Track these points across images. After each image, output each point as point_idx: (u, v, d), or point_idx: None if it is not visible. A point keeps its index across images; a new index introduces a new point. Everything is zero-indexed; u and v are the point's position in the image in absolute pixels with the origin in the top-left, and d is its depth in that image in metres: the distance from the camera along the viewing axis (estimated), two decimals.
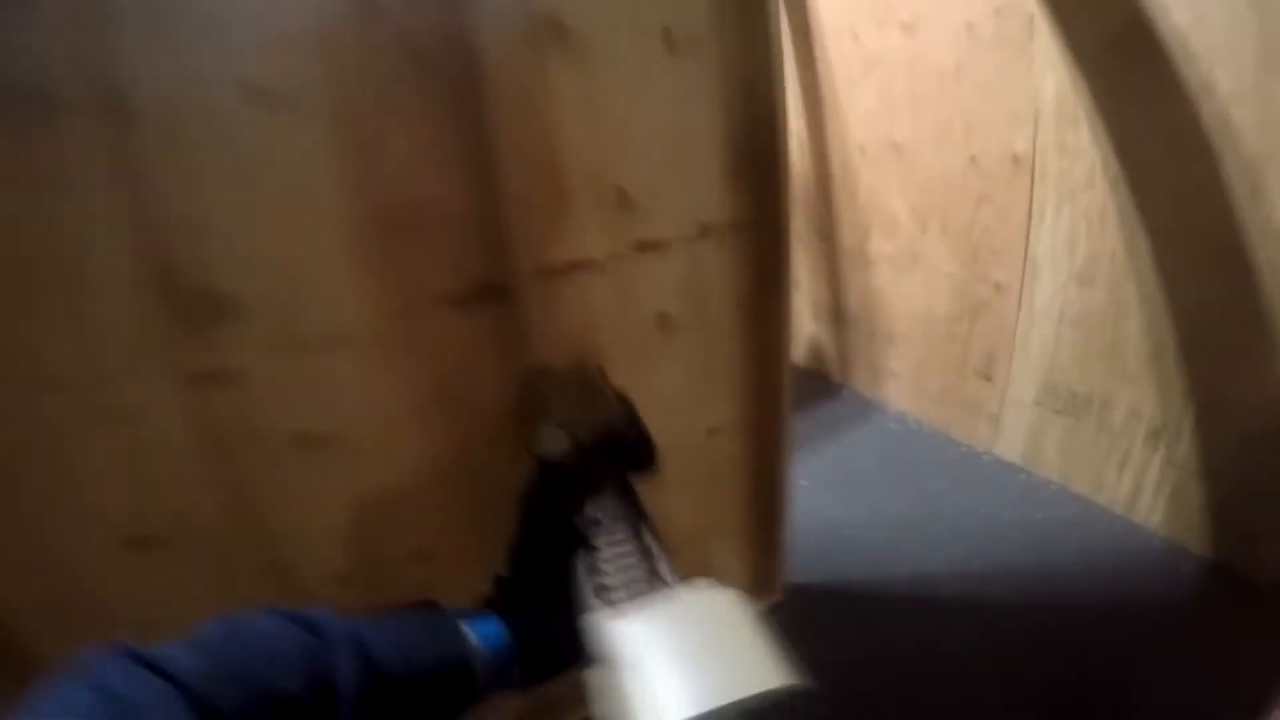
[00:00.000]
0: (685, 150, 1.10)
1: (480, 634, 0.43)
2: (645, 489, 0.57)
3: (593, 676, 0.39)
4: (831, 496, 2.04)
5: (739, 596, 0.41)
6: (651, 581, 0.45)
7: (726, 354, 1.31)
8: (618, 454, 0.57)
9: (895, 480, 2.07)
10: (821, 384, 2.63)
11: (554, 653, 0.46)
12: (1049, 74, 1.61)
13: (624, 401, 0.65)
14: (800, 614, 1.66)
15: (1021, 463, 2.03)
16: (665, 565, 0.46)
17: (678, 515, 1.37)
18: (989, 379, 2.04)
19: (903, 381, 2.34)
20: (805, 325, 2.67)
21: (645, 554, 0.46)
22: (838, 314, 2.49)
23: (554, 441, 0.54)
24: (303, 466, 0.92)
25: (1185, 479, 1.65)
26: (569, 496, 0.51)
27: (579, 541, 0.48)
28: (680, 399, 1.27)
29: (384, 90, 0.85)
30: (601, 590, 0.43)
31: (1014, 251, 1.84)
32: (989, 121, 1.78)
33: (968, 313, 2.02)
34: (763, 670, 0.36)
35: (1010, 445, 2.05)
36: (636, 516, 0.50)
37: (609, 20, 0.97)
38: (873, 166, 2.13)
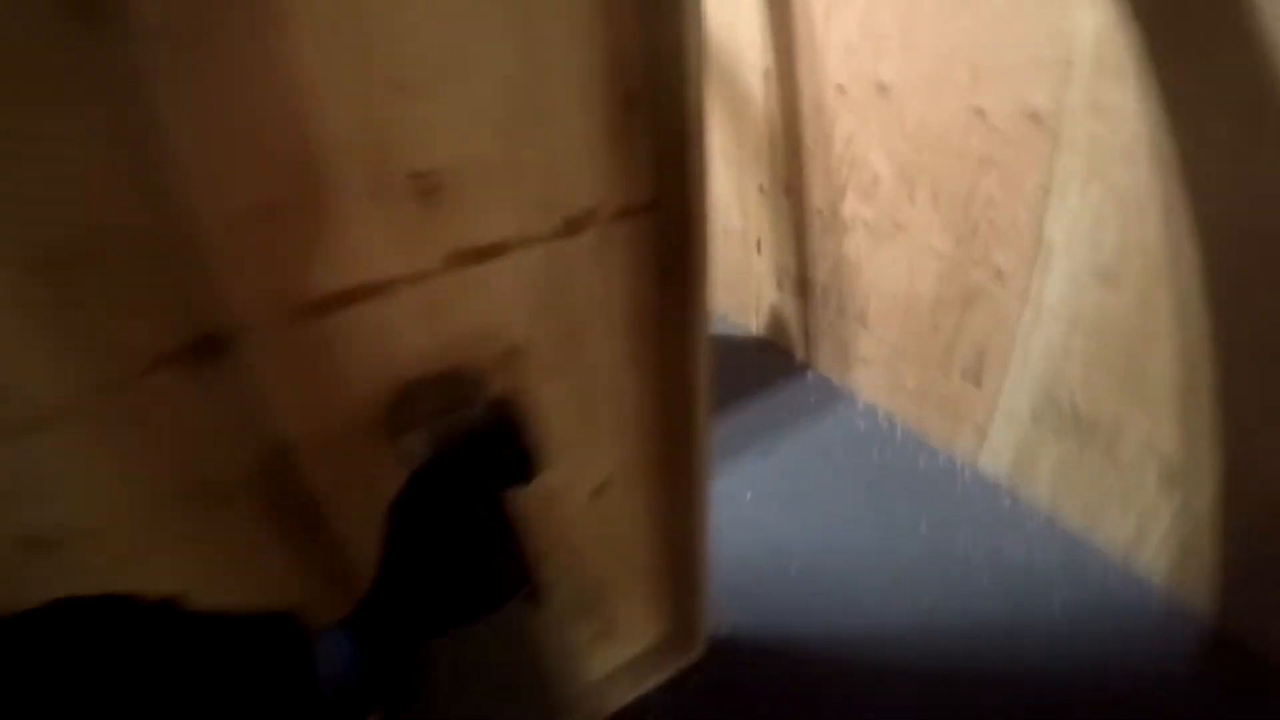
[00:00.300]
0: (535, 102, 0.70)
1: (327, 651, 0.42)
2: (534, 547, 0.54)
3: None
4: (778, 513, 1.73)
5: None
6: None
7: (612, 392, 0.95)
8: (489, 464, 0.55)
9: (856, 495, 1.76)
10: (782, 361, 2.28)
11: (409, 675, 0.44)
12: (1089, 7, 1.18)
13: (503, 406, 0.63)
14: (723, 679, 1.38)
15: (1007, 483, 1.72)
16: None
17: (567, 576, 1.08)
18: (978, 383, 1.70)
19: (875, 370, 1.99)
20: (767, 291, 2.29)
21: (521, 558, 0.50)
22: (803, 283, 2.11)
23: (415, 450, 0.53)
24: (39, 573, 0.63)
25: (1199, 532, 1.36)
26: (432, 510, 0.50)
27: (443, 556, 0.48)
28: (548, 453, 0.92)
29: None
30: None
31: (1023, 232, 1.46)
32: (1003, 64, 1.36)
33: (958, 300, 1.66)
34: None
35: (996, 461, 1.74)
36: (502, 535, 0.52)
37: None
38: (852, 111, 1.70)
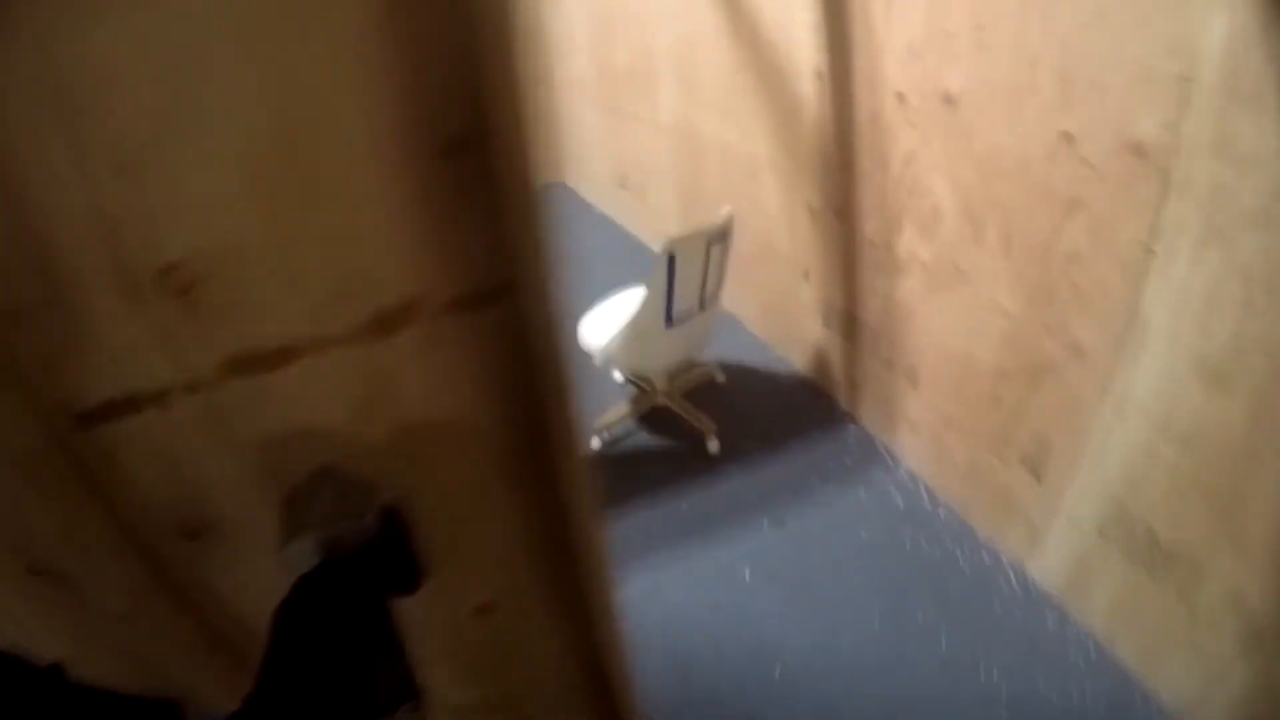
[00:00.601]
0: (303, 166, 0.50)
1: None
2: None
3: None
4: (776, 601, 1.46)
5: None
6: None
7: (482, 513, 0.74)
8: (378, 571, 0.54)
9: (874, 588, 1.46)
10: (822, 408, 1.98)
11: None
12: (1219, 7, 0.85)
13: (391, 512, 0.58)
14: None
15: (1057, 598, 1.38)
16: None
17: (467, 689, 0.92)
18: (1038, 475, 1.36)
19: (921, 437, 1.67)
20: (813, 327, 1.99)
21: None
22: (852, 323, 1.81)
23: (302, 556, 0.51)
24: None
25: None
26: (319, 614, 0.49)
27: (328, 661, 0.47)
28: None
29: None
30: None
31: (1113, 300, 1.13)
32: (1101, 77, 1.03)
33: (1025, 373, 1.33)
34: None
35: (1048, 571, 1.40)
36: (388, 644, 0.51)
37: None
38: (913, 125, 1.39)
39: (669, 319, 1.69)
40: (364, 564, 0.54)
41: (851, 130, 1.56)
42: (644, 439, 1.98)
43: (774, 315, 2.15)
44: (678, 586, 1.51)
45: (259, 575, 0.58)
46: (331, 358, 0.57)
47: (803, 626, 1.41)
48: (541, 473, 0.73)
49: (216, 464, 0.59)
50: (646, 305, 1.66)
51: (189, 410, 0.55)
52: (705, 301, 1.74)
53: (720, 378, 2.15)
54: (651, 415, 2.02)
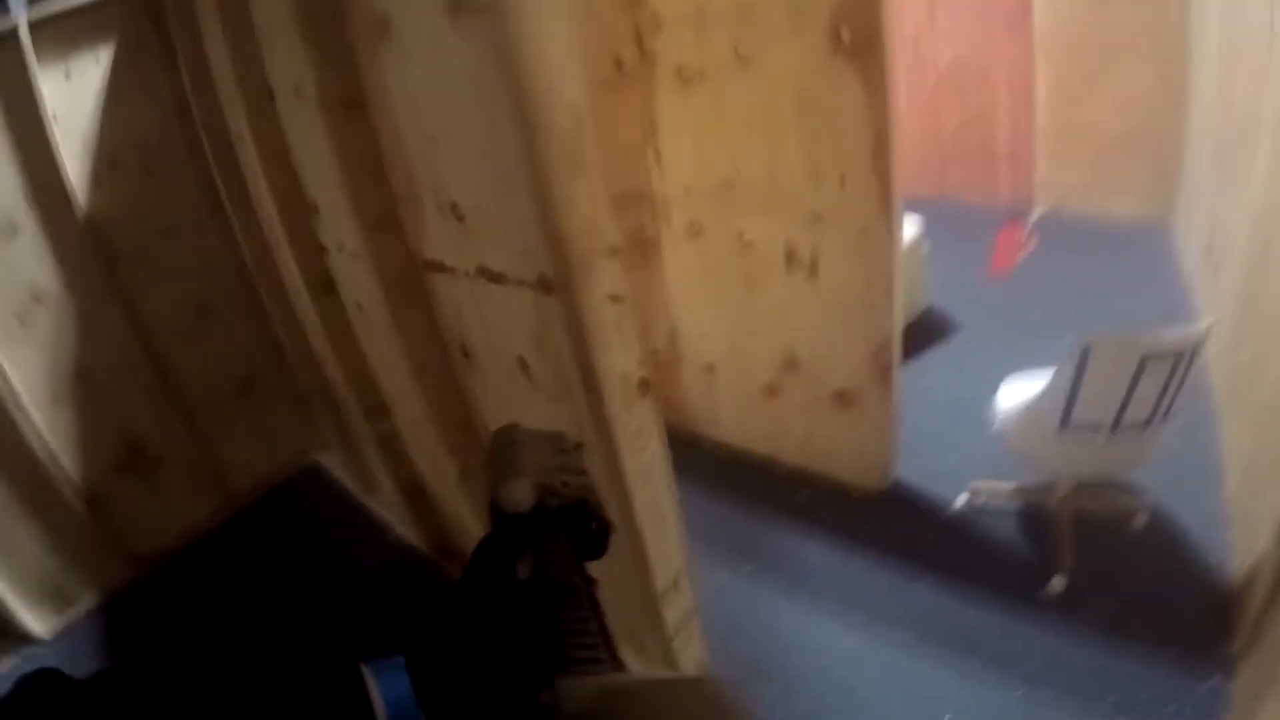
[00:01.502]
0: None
1: (383, 686, 0.43)
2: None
3: None
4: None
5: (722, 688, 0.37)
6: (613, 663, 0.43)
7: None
8: (575, 531, 0.55)
9: None
10: (1218, 637, 1.45)
11: (464, 714, 0.44)
12: None
13: (588, 479, 0.63)
14: None
15: None
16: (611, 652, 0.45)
17: None
18: None
19: None
20: None
21: (605, 636, 0.45)
22: None
23: (519, 496, 0.52)
24: None
25: None
26: (519, 558, 0.50)
27: (525, 607, 0.47)
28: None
29: None
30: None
31: None
32: None
33: None
34: None
35: None
36: (594, 598, 0.49)
37: None
38: None
39: (1064, 423, 1.49)
40: (569, 519, 0.55)
41: None
42: (1002, 527, 1.80)
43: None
44: None
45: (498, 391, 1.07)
46: (521, 293, 0.96)
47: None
48: None
49: (475, 321, 1.19)
50: (1044, 395, 1.50)
51: (464, 285, 1.14)
52: (1123, 425, 1.45)
53: (1140, 523, 1.74)
54: (1032, 510, 1.80)
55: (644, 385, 0.94)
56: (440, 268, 1.17)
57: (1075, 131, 3.00)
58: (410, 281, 1.24)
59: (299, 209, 1.51)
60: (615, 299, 0.88)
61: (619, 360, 0.93)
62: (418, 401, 1.41)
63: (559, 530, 0.54)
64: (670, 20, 1.69)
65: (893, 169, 1.53)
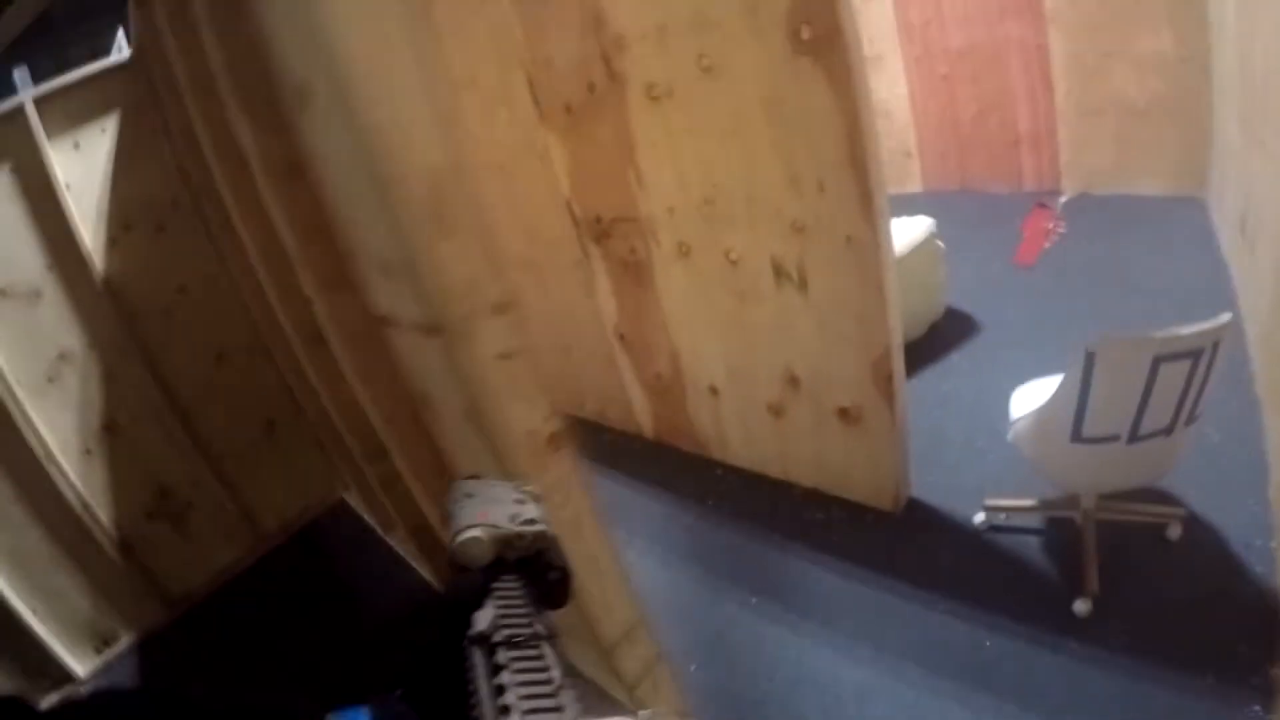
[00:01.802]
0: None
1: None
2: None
3: None
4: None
5: None
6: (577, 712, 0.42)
7: None
8: (535, 580, 0.55)
9: None
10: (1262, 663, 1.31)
11: None
12: None
13: (548, 532, 0.64)
14: None
15: None
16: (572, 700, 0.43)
17: None
18: None
19: None
20: None
21: (567, 685, 0.44)
22: None
23: (475, 552, 0.53)
24: None
25: None
26: (478, 610, 0.49)
27: (480, 657, 0.46)
28: None
29: None
30: (504, 711, 0.40)
31: None
32: None
33: None
34: None
35: None
36: (554, 647, 0.48)
37: None
38: None
39: (1075, 435, 1.38)
40: (531, 569, 0.56)
41: None
42: (1023, 545, 1.70)
43: None
44: None
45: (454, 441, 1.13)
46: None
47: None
48: None
49: (423, 373, 1.22)
50: (1052, 403, 1.40)
51: (408, 338, 1.16)
52: (1142, 433, 1.34)
53: (1174, 534, 1.60)
54: (1055, 526, 1.69)
55: (554, 440, 0.92)
56: (387, 322, 1.17)
57: (1097, 109, 2.83)
58: (372, 335, 1.24)
59: (282, 265, 1.53)
60: (505, 356, 0.87)
61: (521, 417, 0.91)
62: (396, 449, 1.41)
63: (519, 581, 0.54)
64: (633, 39, 1.66)
65: (871, 169, 1.46)
